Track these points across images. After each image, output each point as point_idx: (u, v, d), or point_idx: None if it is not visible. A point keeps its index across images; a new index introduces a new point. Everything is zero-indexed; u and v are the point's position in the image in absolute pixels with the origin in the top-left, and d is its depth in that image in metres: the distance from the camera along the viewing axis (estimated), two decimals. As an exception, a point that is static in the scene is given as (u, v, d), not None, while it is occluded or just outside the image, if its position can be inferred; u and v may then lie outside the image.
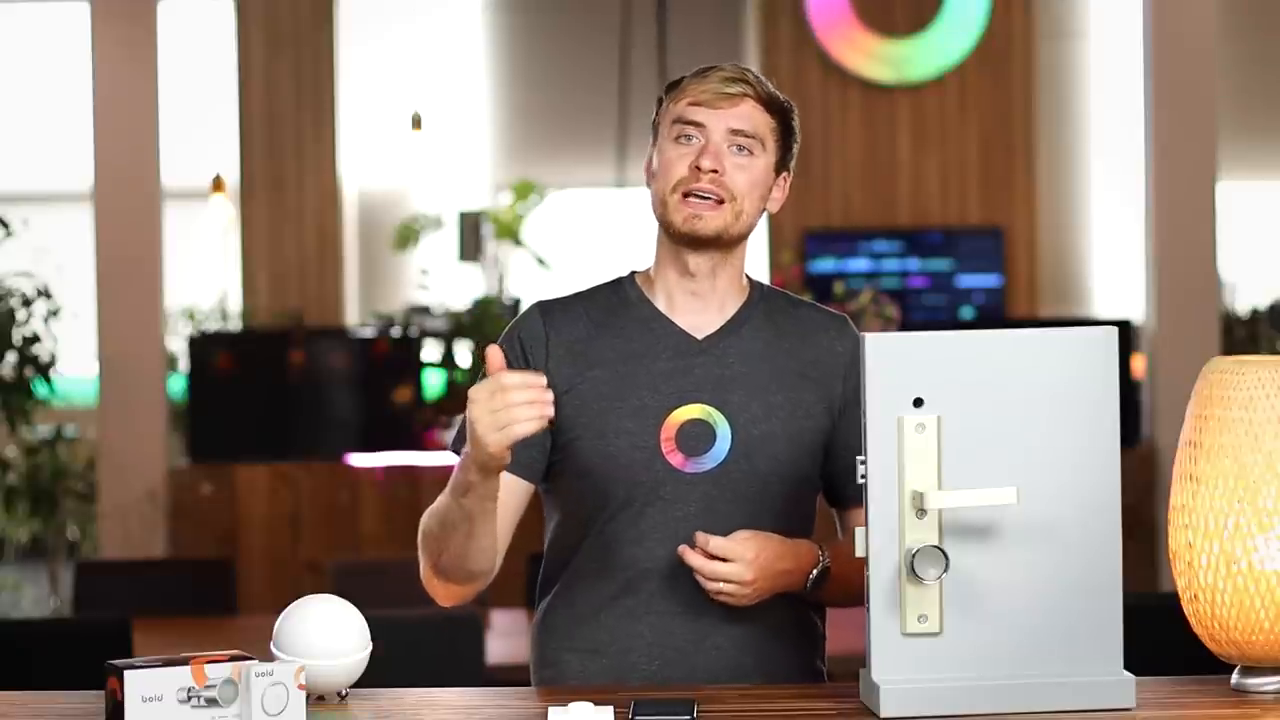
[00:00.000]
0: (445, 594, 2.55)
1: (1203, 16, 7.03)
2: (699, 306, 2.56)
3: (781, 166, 2.59)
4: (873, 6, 9.48)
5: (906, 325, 6.82)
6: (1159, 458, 7.05)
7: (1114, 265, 10.22)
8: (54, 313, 7.05)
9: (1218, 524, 2.22)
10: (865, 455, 2.20)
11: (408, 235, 10.13)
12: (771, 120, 2.55)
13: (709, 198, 2.50)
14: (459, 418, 2.61)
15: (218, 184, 10.12)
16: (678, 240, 2.53)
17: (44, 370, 7.00)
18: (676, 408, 2.50)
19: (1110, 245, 10.26)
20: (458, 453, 2.52)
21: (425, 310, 9.54)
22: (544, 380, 2.29)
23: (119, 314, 6.90)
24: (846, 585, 2.48)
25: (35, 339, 7.00)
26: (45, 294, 7.06)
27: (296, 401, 7.34)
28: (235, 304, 10.25)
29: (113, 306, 6.90)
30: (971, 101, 9.61)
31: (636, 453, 2.48)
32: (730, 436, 2.49)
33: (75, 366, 7.74)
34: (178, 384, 8.16)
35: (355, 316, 10.21)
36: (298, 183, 9.97)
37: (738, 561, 2.38)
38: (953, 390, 2.20)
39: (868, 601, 2.21)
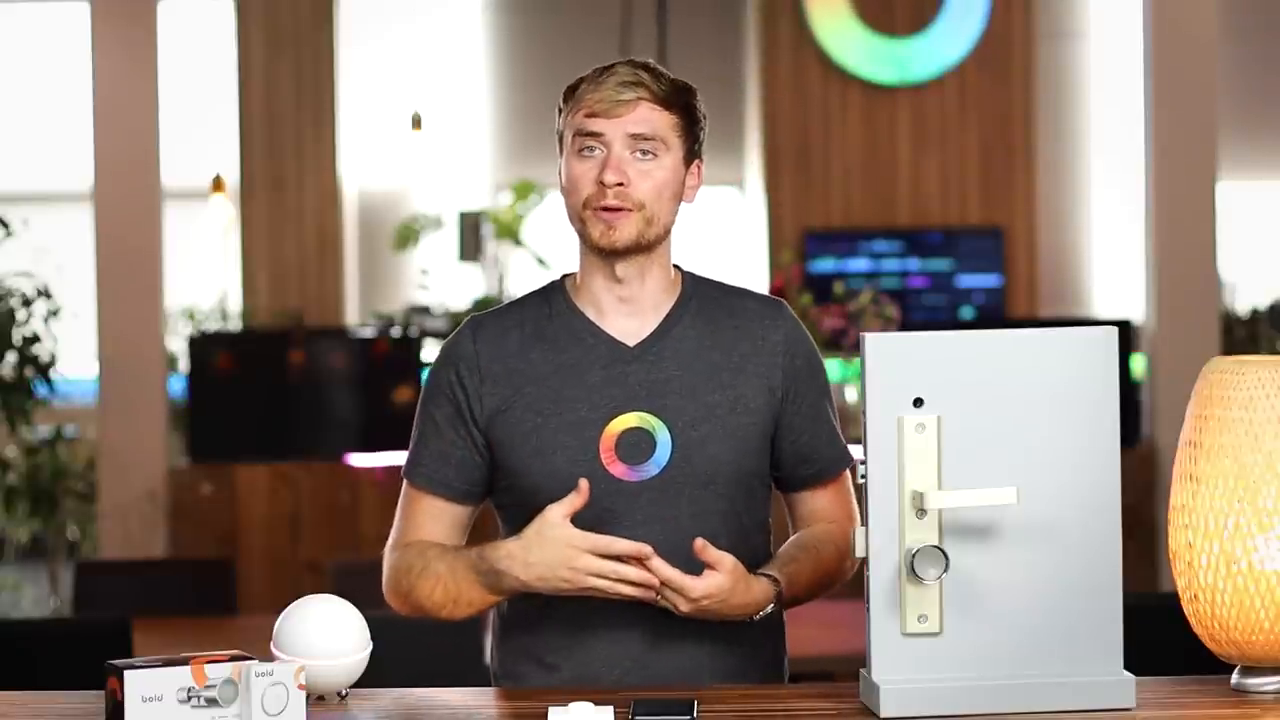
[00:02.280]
0: (409, 614, 2.59)
1: (1203, 17, 7.03)
2: (629, 311, 2.54)
3: (692, 156, 2.55)
4: (873, 6, 9.48)
5: (906, 325, 6.82)
6: (1159, 458, 7.05)
7: (1114, 265, 10.22)
8: (54, 313, 7.05)
9: (1218, 524, 2.22)
10: (865, 455, 2.20)
11: (408, 235, 10.13)
12: (672, 116, 2.51)
13: (620, 209, 2.48)
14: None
15: (218, 184, 10.12)
16: (597, 253, 2.52)
17: (44, 370, 6.99)
18: (614, 418, 2.48)
19: (1110, 245, 10.27)
20: (411, 480, 2.56)
21: (425, 310, 9.54)
22: (649, 550, 2.34)
23: (119, 314, 6.90)
24: (794, 598, 2.51)
25: (35, 339, 7.00)
26: (45, 294, 7.05)
27: (296, 401, 7.34)
28: (235, 304, 10.25)
29: (113, 306, 6.90)
30: (971, 101, 9.60)
31: (577, 467, 2.46)
32: (670, 442, 2.48)
33: (75, 366, 7.74)
34: (178, 384, 8.16)
35: (355, 316, 10.21)
36: (298, 183, 9.97)
37: (707, 595, 2.37)
38: (953, 390, 2.20)
39: (868, 601, 2.21)
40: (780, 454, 2.56)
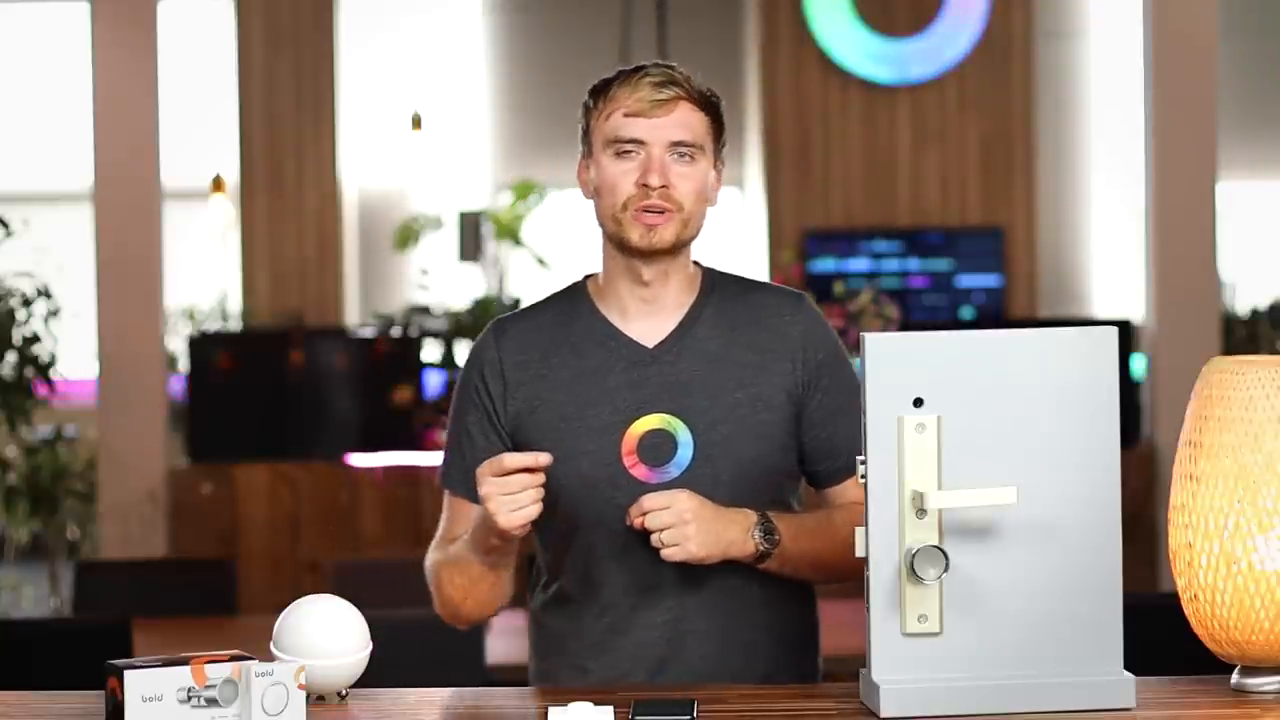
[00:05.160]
0: (467, 622, 2.62)
1: (1203, 16, 7.03)
2: (650, 311, 2.55)
3: (718, 158, 2.56)
4: (873, 6, 9.48)
5: (906, 325, 6.82)
6: (1159, 458, 7.05)
7: (1114, 265, 10.22)
8: (54, 313, 7.04)
9: (1218, 524, 2.22)
10: (865, 455, 2.20)
11: (408, 235, 10.13)
12: (707, 119, 2.52)
13: (661, 211, 2.48)
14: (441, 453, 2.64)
15: (218, 184, 10.12)
16: (633, 254, 2.52)
17: (44, 370, 6.99)
18: (634, 420, 2.49)
19: (1110, 245, 10.27)
20: (448, 487, 2.58)
21: (425, 310, 9.55)
22: (545, 460, 2.34)
23: (119, 314, 6.90)
24: (815, 558, 2.48)
25: (35, 339, 7.00)
26: (45, 294, 7.05)
27: (296, 401, 7.34)
28: (235, 304, 10.25)
29: (113, 306, 6.89)
30: (971, 101, 9.61)
31: (601, 471, 2.48)
32: (692, 442, 2.48)
33: (75, 366, 7.74)
34: (178, 384, 8.15)
35: (355, 316, 10.22)
36: (298, 183, 9.98)
37: (669, 505, 2.38)
38: (953, 390, 2.20)
39: (868, 601, 2.21)
40: (804, 449, 2.56)
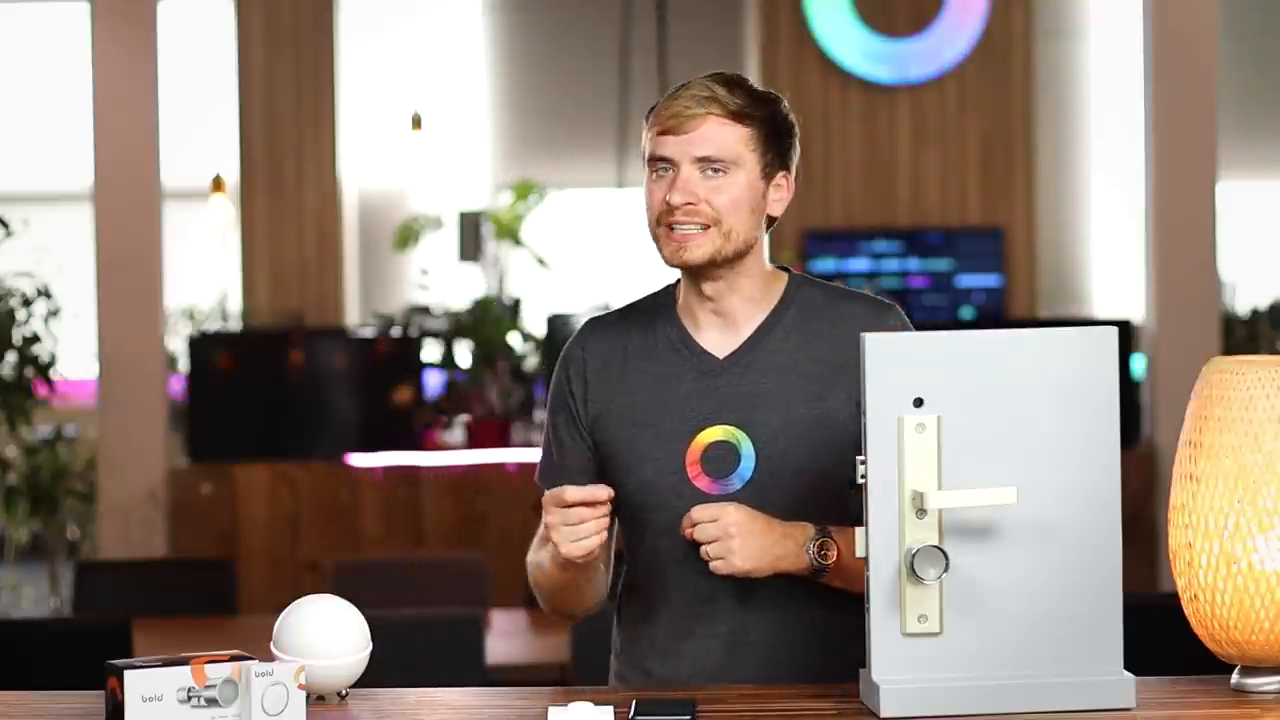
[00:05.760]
0: (568, 620, 2.70)
1: (1203, 16, 7.03)
2: (721, 324, 2.56)
3: (775, 167, 2.55)
4: (873, 6, 9.48)
5: (906, 325, 6.81)
6: (1159, 458, 7.05)
7: (1114, 265, 10.22)
8: (54, 313, 7.04)
9: (1218, 524, 2.22)
10: (865, 455, 2.20)
11: (408, 235, 10.13)
12: (745, 129, 2.50)
13: (691, 228, 2.48)
14: (538, 450, 2.69)
15: (218, 184, 10.12)
16: (683, 270, 2.54)
17: (44, 370, 6.99)
18: (700, 430, 2.50)
19: (1110, 245, 10.27)
20: (544, 487, 2.57)
21: (425, 310, 9.54)
22: (605, 494, 2.38)
23: (119, 314, 6.90)
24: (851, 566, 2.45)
25: (35, 339, 7.00)
26: (45, 294, 7.05)
27: (296, 401, 7.34)
28: (235, 304, 10.25)
29: (113, 306, 6.90)
30: (971, 101, 9.61)
31: (665, 479, 2.50)
32: (754, 455, 2.48)
33: (75, 366, 7.73)
34: (178, 384, 8.15)
35: (355, 316, 10.21)
36: (298, 183, 9.98)
37: (717, 518, 2.39)
38: (953, 390, 2.20)
39: (868, 601, 2.21)
40: None
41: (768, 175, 2.54)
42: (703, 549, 2.40)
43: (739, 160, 2.50)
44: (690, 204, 2.47)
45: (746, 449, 2.49)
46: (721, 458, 2.48)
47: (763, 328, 2.55)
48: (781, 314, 2.56)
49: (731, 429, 2.48)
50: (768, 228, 2.59)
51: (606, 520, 2.40)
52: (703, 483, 2.49)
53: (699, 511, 2.41)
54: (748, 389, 2.51)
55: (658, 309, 2.61)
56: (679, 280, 2.61)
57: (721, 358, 2.54)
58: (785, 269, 2.61)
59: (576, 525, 2.37)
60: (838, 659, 2.51)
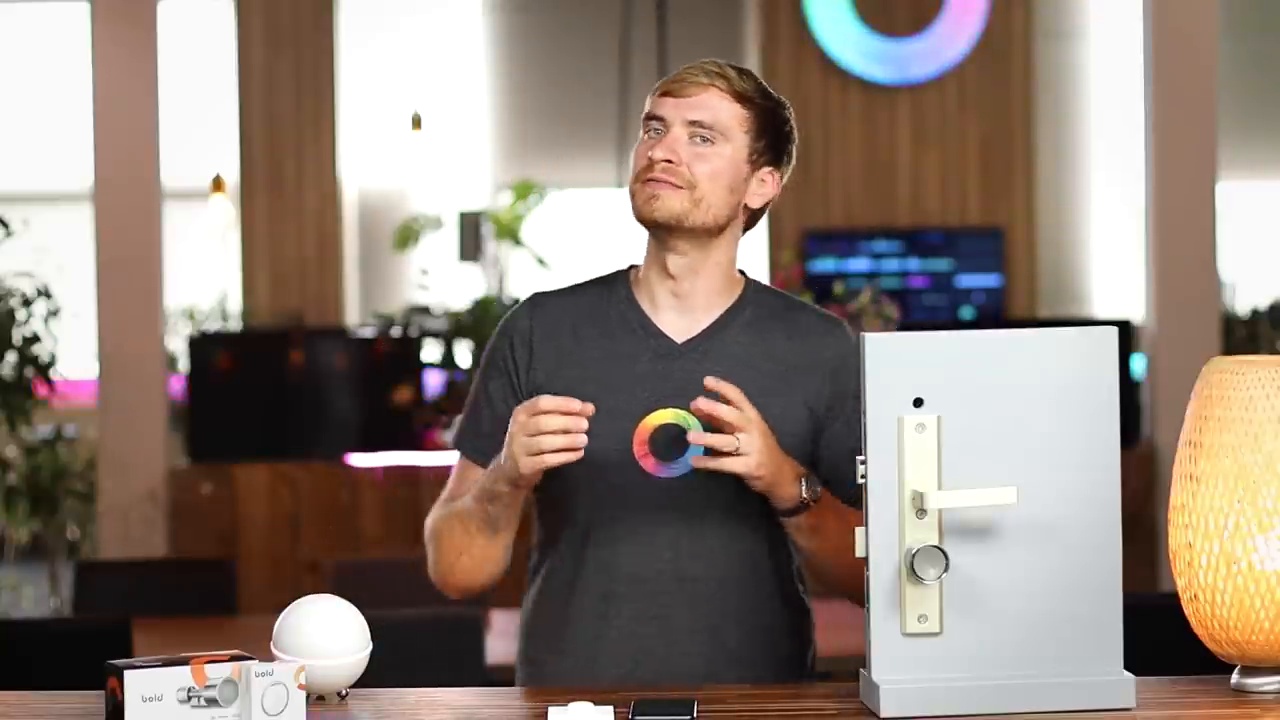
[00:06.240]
0: (457, 589, 2.60)
1: (1203, 16, 7.03)
2: (682, 307, 2.56)
3: (764, 161, 2.56)
4: (873, 6, 9.48)
5: (906, 325, 6.82)
6: (1159, 457, 7.05)
7: (1114, 265, 10.22)
8: (54, 313, 7.05)
9: (1218, 524, 2.22)
10: (865, 455, 2.20)
11: (408, 235, 10.13)
12: (743, 111, 2.53)
13: (666, 186, 2.50)
14: (458, 417, 2.65)
15: (218, 184, 10.12)
16: (645, 226, 2.54)
17: (44, 370, 6.99)
18: (651, 412, 2.48)
19: (1110, 245, 10.27)
20: (462, 450, 2.55)
21: (425, 310, 9.54)
22: (580, 406, 2.33)
23: (119, 314, 6.90)
24: (839, 538, 2.45)
25: (35, 339, 7.00)
26: (45, 294, 7.05)
27: (296, 401, 7.34)
28: (235, 304, 10.25)
29: (113, 306, 6.90)
30: (971, 101, 9.61)
31: (610, 455, 2.47)
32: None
33: (75, 366, 7.74)
34: (178, 384, 8.15)
35: (355, 316, 10.22)
36: (298, 183, 9.98)
37: (742, 409, 2.36)
38: (953, 390, 2.20)
39: (868, 601, 2.21)
40: (818, 470, 2.54)
41: (754, 162, 2.56)
42: (725, 438, 2.34)
43: (729, 134, 2.52)
44: (670, 162, 2.49)
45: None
46: (671, 441, 2.47)
47: (722, 319, 2.57)
48: (740, 311, 2.58)
49: (682, 413, 2.47)
50: (747, 225, 2.60)
51: (577, 439, 2.34)
52: (649, 463, 2.47)
53: (734, 391, 2.36)
54: (703, 375, 2.49)
55: (611, 288, 2.61)
56: (632, 266, 2.63)
57: (680, 342, 2.55)
58: (742, 273, 2.62)
59: (538, 436, 2.33)
60: (770, 652, 2.54)
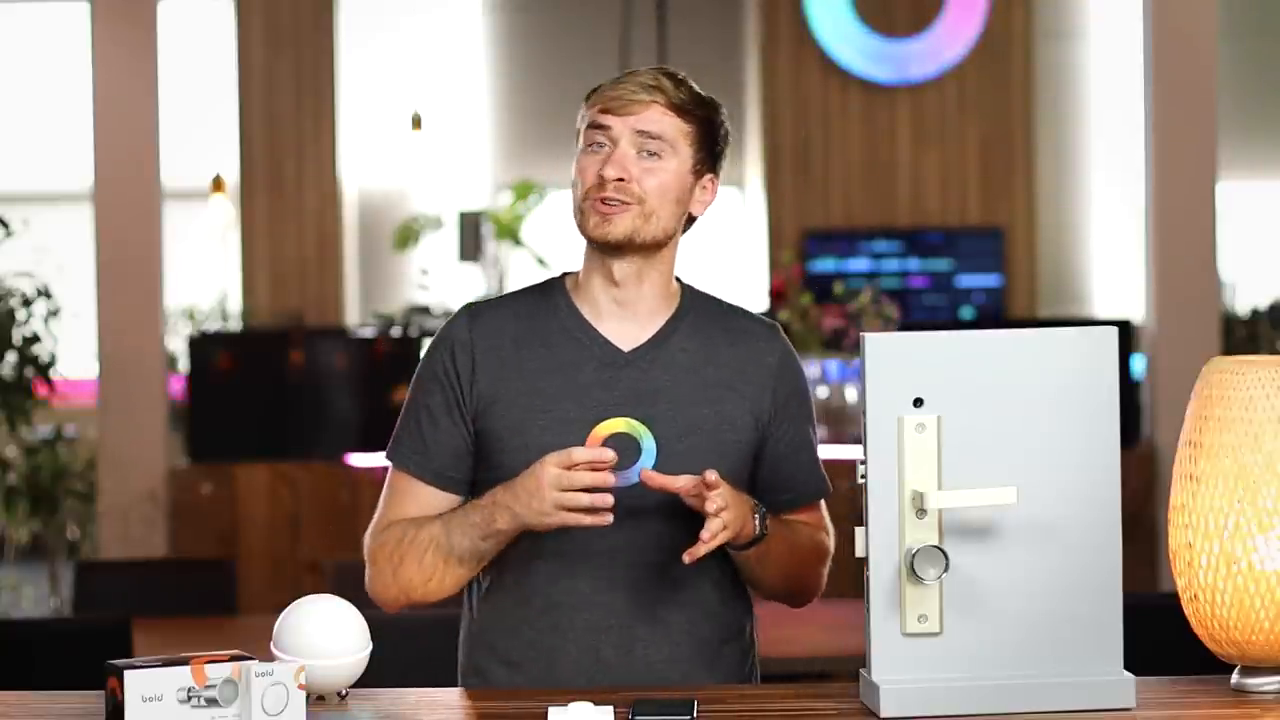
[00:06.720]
0: (407, 606, 2.55)
1: (1203, 16, 7.03)
2: (625, 315, 2.55)
3: (705, 169, 2.56)
4: (873, 6, 9.48)
5: (906, 325, 6.82)
6: (1159, 457, 7.05)
7: (1114, 265, 10.22)
8: (54, 313, 7.04)
9: (1218, 524, 2.22)
10: (865, 455, 2.20)
11: (408, 235, 10.14)
12: (685, 125, 2.52)
13: (617, 203, 2.49)
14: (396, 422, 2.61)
15: (218, 184, 10.12)
16: (601, 249, 2.53)
17: (44, 370, 6.99)
18: (601, 421, 2.48)
19: (1110, 245, 10.27)
20: (402, 465, 2.54)
21: (425, 310, 9.55)
22: (611, 455, 2.35)
23: (119, 314, 6.89)
24: (788, 554, 2.50)
25: (35, 339, 7.00)
26: (45, 294, 7.05)
27: (296, 401, 7.34)
28: (235, 304, 10.25)
29: (113, 306, 6.89)
30: (971, 101, 9.61)
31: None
32: (655, 451, 2.47)
33: (75, 366, 7.73)
34: (178, 384, 8.15)
35: (355, 316, 10.22)
36: (298, 183, 9.98)
37: (722, 490, 2.36)
38: (953, 390, 2.20)
39: (868, 601, 2.21)
40: (758, 478, 2.56)
41: (697, 172, 2.55)
42: (714, 521, 2.34)
43: (675, 147, 2.52)
44: (622, 180, 2.48)
45: (648, 444, 2.48)
46: (622, 449, 2.45)
47: (666, 327, 2.56)
48: (683, 317, 2.57)
49: (633, 422, 2.47)
50: (685, 228, 2.59)
51: (604, 516, 2.35)
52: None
53: (719, 480, 2.35)
54: (651, 384, 2.50)
55: (549, 296, 2.59)
56: (566, 274, 2.61)
57: (626, 350, 2.53)
58: (677, 278, 2.62)
59: (569, 493, 2.33)
60: (725, 657, 2.54)
